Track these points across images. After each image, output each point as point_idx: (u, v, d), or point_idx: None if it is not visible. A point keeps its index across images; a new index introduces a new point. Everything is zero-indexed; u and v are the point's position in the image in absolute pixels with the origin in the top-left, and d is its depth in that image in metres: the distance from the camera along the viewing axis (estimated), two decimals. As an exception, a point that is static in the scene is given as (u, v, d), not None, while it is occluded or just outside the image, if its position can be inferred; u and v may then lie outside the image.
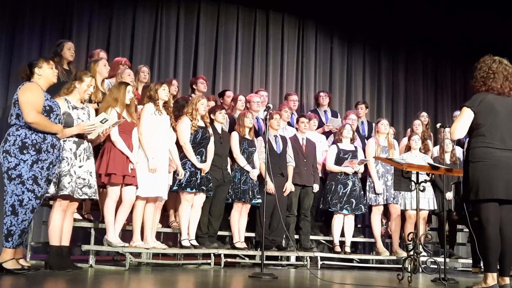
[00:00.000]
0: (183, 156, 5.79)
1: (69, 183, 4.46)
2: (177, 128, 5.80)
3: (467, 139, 4.31)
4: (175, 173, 5.72)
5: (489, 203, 3.84)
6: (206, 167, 5.88)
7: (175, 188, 5.74)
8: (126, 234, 5.67)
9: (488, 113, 3.92)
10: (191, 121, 5.84)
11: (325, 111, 8.05)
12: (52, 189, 4.41)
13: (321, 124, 7.74)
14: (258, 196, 6.26)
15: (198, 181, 5.78)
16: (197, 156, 5.85)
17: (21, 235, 4.08)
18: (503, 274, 3.80)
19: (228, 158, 6.33)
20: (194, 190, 5.78)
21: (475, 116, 3.93)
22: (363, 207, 6.88)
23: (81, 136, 4.59)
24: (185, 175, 5.73)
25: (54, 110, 4.25)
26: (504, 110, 3.94)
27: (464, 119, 3.95)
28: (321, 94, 8.23)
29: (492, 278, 3.78)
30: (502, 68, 4.00)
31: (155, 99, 5.48)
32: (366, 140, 7.51)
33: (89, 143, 4.71)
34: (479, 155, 3.88)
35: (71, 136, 4.51)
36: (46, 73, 4.30)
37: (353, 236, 7.09)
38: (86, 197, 4.61)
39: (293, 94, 8.03)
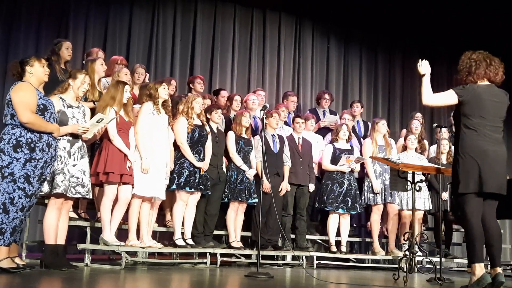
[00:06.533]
0: (181, 156, 5.79)
1: (62, 181, 4.44)
2: (173, 128, 5.79)
3: (455, 129, 4.35)
4: (173, 172, 5.71)
5: (473, 196, 3.88)
6: (204, 165, 5.87)
7: (173, 187, 5.72)
8: (122, 233, 5.66)
9: (476, 105, 3.96)
10: (187, 120, 5.84)
11: (324, 111, 8.01)
12: (46, 188, 4.40)
13: (319, 122, 7.72)
14: (254, 196, 6.25)
15: (197, 180, 5.77)
16: (195, 155, 5.83)
17: (13, 233, 4.05)
18: (494, 265, 3.85)
19: (224, 157, 6.33)
20: (192, 190, 5.77)
21: (463, 105, 3.98)
22: (358, 206, 6.87)
23: (75, 135, 4.57)
24: (183, 174, 5.72)
25: (48, 108, 4.22)
26: (491, 103, 3.98)
27: (444, 94, 4.09)
28: (326, 96, 7.95)
29: (480, 268, 3.83)
30: (482, 57, 4.08)
31: (156, 98, 5.47)
32: (362, 140, 7.50)
33: (83, 142, 4.69)
34: (467, 149, 3.92)
35: (66, 135, 4.50)
36: (37, 71, 4.25)
37: (349, 236, 7.10)
38: (79, 195, 4.59)
39: (292, 95, 7.89)
